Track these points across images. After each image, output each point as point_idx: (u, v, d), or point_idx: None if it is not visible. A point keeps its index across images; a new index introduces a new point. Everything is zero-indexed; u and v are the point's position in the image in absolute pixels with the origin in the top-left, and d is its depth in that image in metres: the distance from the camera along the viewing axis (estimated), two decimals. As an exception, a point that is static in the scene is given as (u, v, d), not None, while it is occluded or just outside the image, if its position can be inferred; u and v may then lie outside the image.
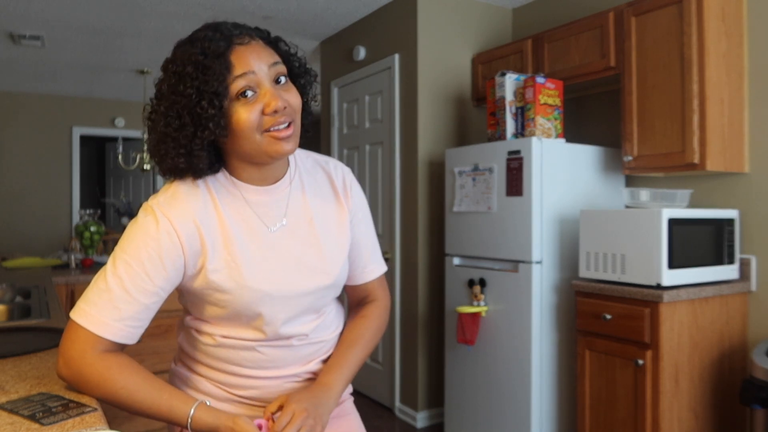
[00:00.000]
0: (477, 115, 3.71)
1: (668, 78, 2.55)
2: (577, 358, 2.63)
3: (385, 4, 3.79)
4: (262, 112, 0.98)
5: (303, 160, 1.19)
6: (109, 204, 7.52)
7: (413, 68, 3.56)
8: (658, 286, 2.35)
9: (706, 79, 2.46)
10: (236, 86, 0.96)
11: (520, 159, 2.74)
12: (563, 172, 2.80)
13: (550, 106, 2.82)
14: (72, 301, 2.93)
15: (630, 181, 3.05)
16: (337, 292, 1.21)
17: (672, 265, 2.35)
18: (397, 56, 3.68)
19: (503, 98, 2.91)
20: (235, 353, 1.11)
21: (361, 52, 4.02)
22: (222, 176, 1.08)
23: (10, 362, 1.25)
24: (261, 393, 1.14)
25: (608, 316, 2.47)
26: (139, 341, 1.04)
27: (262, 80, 0.98)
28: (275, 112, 0.97)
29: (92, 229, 3.65)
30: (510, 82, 2.91)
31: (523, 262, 2.75)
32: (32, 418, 0.93)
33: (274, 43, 1.06)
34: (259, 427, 1.00)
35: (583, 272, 2.63)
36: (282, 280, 1.08)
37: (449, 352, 3.18)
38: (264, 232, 1.08)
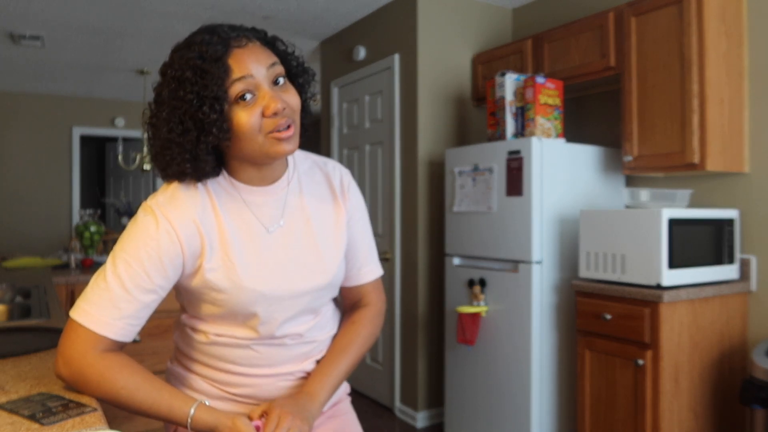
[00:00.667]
0: (477, 115, 3.71)
1: (668, 78, 2.55)
2: (577, 358, 2.63)
3: (385, 4, 3.79)
4: (263, 115, 0.98)
5: (302, 161, 1.20)
6: (109, 204, 7.52)
7: (413, 68, 3.56)
8: (658, 286, 2.35)
9: (706, 79, 2.46)
10: (235, 90, 0.96)
11: (520, 159, 2.74)
12: (563, 172, 2.80)
13: (550, 106, 2.82)
14: (72, 301, 2.93)
15: (630, 181, 3.05)
16: (334, 292, 1.21)
17: (672, 265, 2.35)
18: (397, 56, 3.68)
19: (503, 98, 2.91)
20: (229, 351, 1.12)
21: (361, 52, 4.02)
22: (221, 177, 1.08)
23: (10, 362, 1.25)
24: (255, 391, 1.15)
25: (608, 316, 2.47)
26: (138, 341, 1.05)
27: (261, 82, 0.98)
28: (275, 114, 0.98)
29: (92, 229, 3.65)
30: (510, 82, 2.91)
31: (523, 262, 2.75)
32: (32, 418, 0.93)
33: (271, 43, 1.06)
34: (257, 428, 1.01)
35: (583, 272, 2.63)
36: (278, 280, 1.09)
37: (449, 352, 3.18)
38: (261, 232, 1.09)
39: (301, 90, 1.10)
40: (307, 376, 1.18)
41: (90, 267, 3.42)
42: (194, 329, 1.14)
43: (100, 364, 0.98)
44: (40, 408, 0.96)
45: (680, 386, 2.36)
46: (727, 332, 2.52)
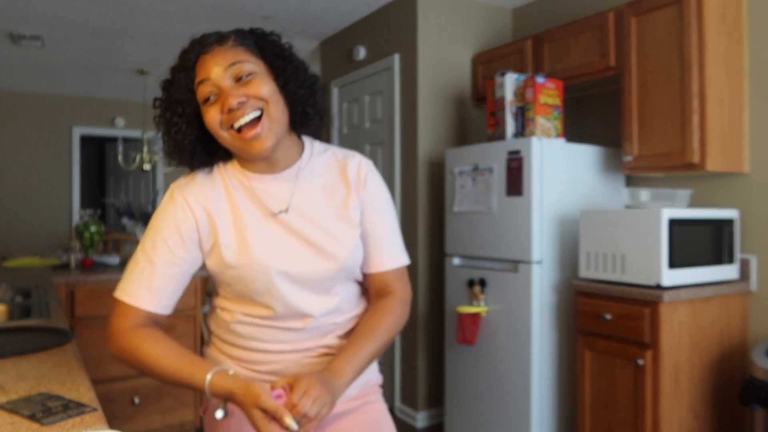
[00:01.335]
0: (477, 115, 3.71)
1: (668, 78, 2.55)
2: (577, 358, 2.63)
3: (385, 4, 3.79)
4: (221, 112, 1.08)
5: (320, 152, 1.25)
6: (109, 204, 7.53)
7: (413, 68, 3.56)
8: (658, 286, 2.35)
9: (706, 79, 2.46)
10: (200, 93, 1.09)
11: (520, 159, 2.74)
12: (563, 172, 2.80)
13: (550, 106, 2.82)
14: (72, 301, 2.94)
15: (630, 181, 3.05)
16: (349, 277, 1.23)
17: (672, 265, 2.35)
18: (397, 56, 3.68)
19: (503, 98, 2.91)
20: (252, 329, 1.19)
21: (361, 52, 4.02)
22: (234, 165, 1.19)
23: (10, 362, 1.26)
24: (281, 367, 1.19)
25: (608, 316, 2.47)
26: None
27: (219, 82, 1.08)
28: (230, 110, 1.07)
29: (92, 229, 3.65)
30: (510, 82, 2.90)
31: (523, 262, 2.75)
32: (32, 418, 0.93)
33: (247, 39, 1.13)
34: (278, 396, 1.02)
35: (583, 272, 2.63)
36: (289, 259, 1.15)
37: (449, 352, 3.18)
38: (269, 216, 1.16)
39: (281, 74, 1.13)
40: (331, 353, 1.21)
41: (90, 267, 3.42)
42: (222, 309, 1.22)
43: (133, 336, 1.09)
44: (40, 408, 0.97)
45: (680, 386, 2.36)
46: (727, 332, 2.52)
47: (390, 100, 3.75)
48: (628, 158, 2.71)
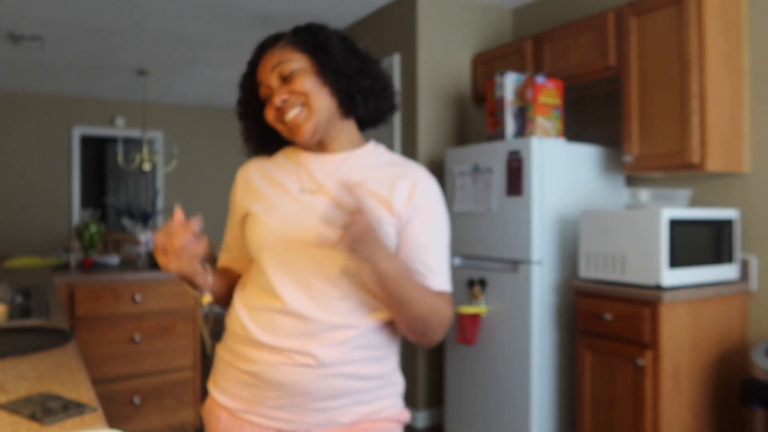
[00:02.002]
0: (477, 115, 3.71)
1: (668, 78, 2.55)
2: (577, 359, 2.63)
3: (385, 4, 3.79)
4: (274, 108, 1.21)
5: (381, 153, 1.30)
6: (109, 204, 7.52)
7: (413, 68, 3.56)
8: (658, 287, 2.35)
9: (706, 79, 2.46)
10: (261, 94, 1.22)
11: (520, 159, 2.74)
12: (563, 172, 2.80)
13: (550, 106, 2.82)
14: (72, 301, 2.93)
15: (630, 181, 3.05)
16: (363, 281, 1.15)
17: (672, 265, 2.35)
18: (397, 56, 3.68)
19: (503, 98, 2.91)
20: (262, 315, 1.21)
21: (361, 52, 4.01)
22: (294, 147, 1.30)
23: (10, 362, 1.25)
24: (260, 369, 1.16)
25: (608, 317, 2.47)
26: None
27: (271, 84, 1.19)
28: (278, 108, 1.19)
29: (92, 229, 3.65)
30: (510, 82, 2.90)
31: (523, 262, 2.75)
32: (32, 418, 0.93)
33: (297, 37, 1.20)
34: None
35: (583, 272, 2.63)
36: (305, 226, 1.15)
37: (449, 352, 3.18)
38: (296, 191, 1.22)
39: (318, 61, 1.18)
40: (310, 362, 1.14)
41: (90, 267, 3.41)
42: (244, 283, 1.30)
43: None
44: (40, 408, 0.97)
45: (680, 386, 2.36)
46: (727, 332, 2.52)
47: (390, 100, 3.74)
48: (628, 158, 2.71)
